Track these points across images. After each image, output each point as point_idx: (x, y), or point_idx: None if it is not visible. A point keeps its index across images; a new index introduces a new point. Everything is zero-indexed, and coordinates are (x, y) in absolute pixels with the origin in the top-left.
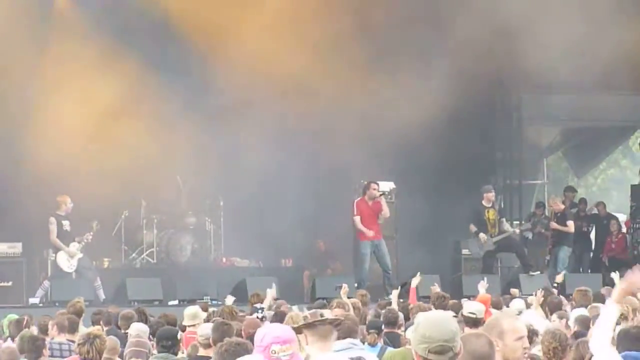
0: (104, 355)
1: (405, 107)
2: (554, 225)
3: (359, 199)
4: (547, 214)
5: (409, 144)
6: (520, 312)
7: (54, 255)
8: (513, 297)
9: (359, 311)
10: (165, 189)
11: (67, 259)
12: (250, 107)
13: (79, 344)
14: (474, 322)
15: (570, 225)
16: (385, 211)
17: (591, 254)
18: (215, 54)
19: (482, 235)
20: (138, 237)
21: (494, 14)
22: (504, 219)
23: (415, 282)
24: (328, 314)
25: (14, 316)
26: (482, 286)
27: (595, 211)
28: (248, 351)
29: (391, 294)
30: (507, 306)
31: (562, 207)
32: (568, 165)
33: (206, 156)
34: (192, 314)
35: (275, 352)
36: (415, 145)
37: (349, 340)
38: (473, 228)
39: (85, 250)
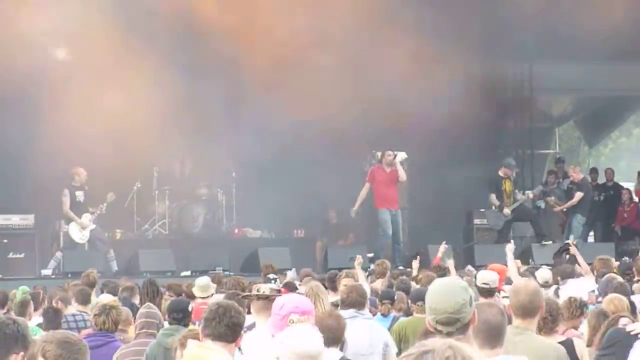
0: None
1: (418, 79)
2: (557, 208)
3: (375, 166)
4: (561, 182)
5: (421, 115)
6: (547, 282)
7: (66, 226)
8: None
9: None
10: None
11: (79, 230)
12: (262, 77)
13: (94, 315)
14: (489, 292)
15: (578, 197)
16: (402, 175)
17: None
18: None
19: (506, 210)
20: (150, 209)
21: None
22: (516, 190)
23: (441, 250)
24: (266, 287)
25: (26, 288)
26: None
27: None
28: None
29: (399, 265)
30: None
31: (581, 176)
32: (580, 135)
33: (218, 127)
34: (203, 285)
35: (293, 322)
36: (428, 115)
37: (352, 310)
38: (495, 201)
39: (98, 222)
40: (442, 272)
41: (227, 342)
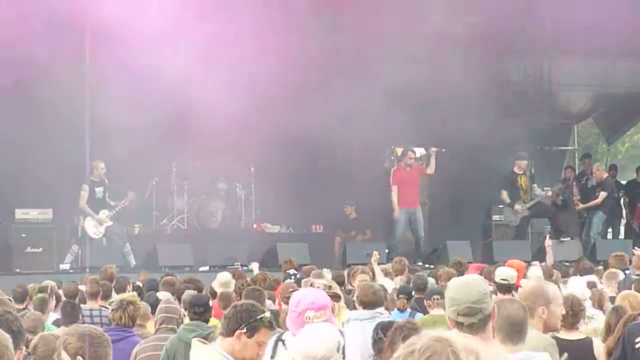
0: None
1: (436, 74)
2: (580, 206)
3: (395, 167)
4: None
5: (440, 111)
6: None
7: (83, 220)
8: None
9: (391, 277)
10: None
11: (95, 225)
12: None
13: (112, 310)
14: (507, 288)
15: (601, 197)
16: (431, 166)
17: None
18: None
19: (517, 206)
20: (169, 203)
21: None
22: (535, 185)
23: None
24: (321, 282)
25: (51, 282)
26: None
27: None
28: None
29: (419, 262)
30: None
31: (605, 175)
32: (598, 132)
33: (237, 122)
34: (225, 281)
35: (309, 318)
36: (447, 111)
37: (371, 311)
38: (507, 198)
39: (116, 218)
40: (462, 268)
41: (222, 335)
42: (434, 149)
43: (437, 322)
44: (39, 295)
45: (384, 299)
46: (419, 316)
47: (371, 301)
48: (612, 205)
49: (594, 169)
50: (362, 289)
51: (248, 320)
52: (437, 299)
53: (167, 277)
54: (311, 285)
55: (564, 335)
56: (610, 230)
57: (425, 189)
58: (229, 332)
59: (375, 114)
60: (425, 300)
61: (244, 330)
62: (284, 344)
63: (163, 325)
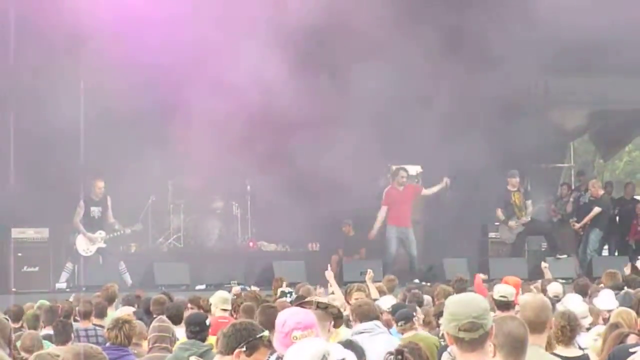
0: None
1: (430, 91)
2: (576, 226)
3: (389, 187)
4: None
5: (435, 128)
6: (557, 295)
7: (76, 237)
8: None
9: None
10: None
11: (86, 243)
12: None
13: (108, 329)
14: (505, 306)
15: (595, 211)
16: (432, 190)
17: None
18: None
19: (511, 223)
20: (165, 222)
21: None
22: (530, 202)
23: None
24: (322, 299)
25: (45, 302)
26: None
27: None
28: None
29: (415, 279)
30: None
31: (601, 192)
32: (595, 149)
33: (233, 140)
34: (223, 298)
35: (296, 338)
36: (442, 128)
37: (375, 322)
38: (501, 215)
39: (112, 240)
40: (462, 285)
41: (220, 353)
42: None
43: (424, 341)
44: (30, 312)
45: (379, 313)
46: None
47: (366, 313)
48: (608, 223)
49: (590, 185)
50: (357, 304)
51: (248, 339)
52: (402, 324)
53: (157, 296)
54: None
55: (561, 351)
56: (606, 247)
57: (420, 206)
58: (228, 350)
59: (370, 133)
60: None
61: (244, 349)
62: None
63: (156, 345)
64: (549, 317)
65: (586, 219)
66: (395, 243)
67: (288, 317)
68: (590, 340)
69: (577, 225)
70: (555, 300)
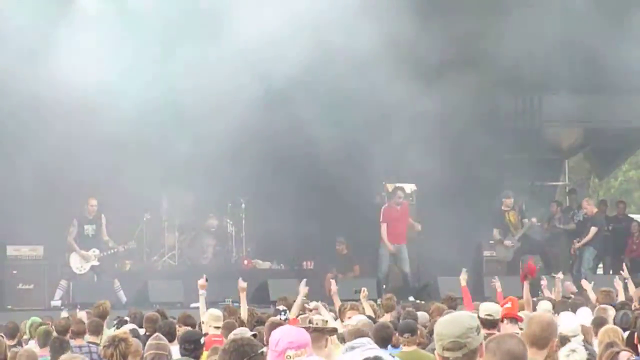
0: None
1: (426, 108)
2: (577, 244)
3: (386, 205)
4: (576, 213)
5: (430, 145)
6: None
7: (69, 255)
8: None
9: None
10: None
11: (80, 261)
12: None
13: (103, 347)
14: (491, 324)
15: (592, 232)
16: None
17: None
18: None
19: (507, 242)
20: (159, 240)
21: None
22: (526, 220)
23: (463, 279)
24: (318, 318)
25: (37, 319)
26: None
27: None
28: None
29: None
30: (535, 308)
31: (595, 210)
32: (590, 167)
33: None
34: (215, 316)
35: (290, 358)
36: (436, 146)
37: (367, 339)
38: (497, 235)
39: (106, 259)
40: (453, 303)
41: None
42: (409, 188)
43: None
44: (42, 327)
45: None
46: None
47: (356, 332)
48: (602, 241)
49: (584, 203)
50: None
51: (250, 355)
52: (407, 337)
53: (149, 314)
54: (309, 322)
55: None
56: (600, 265)
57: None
58: None
59: (365, 150)
60: (395, 334)
61: None
62: None
63: None
64: (553, 334)
65: (584, 241)
66: (387, 261)
67: (282, 336)
68: (562, 356)
69: (577, 245)
70: None
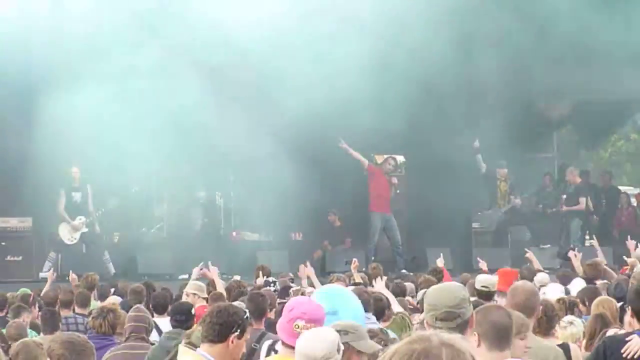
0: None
1: (416, 79)
2: (564, 207)
3: (377, 167)
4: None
5: (419, 117)
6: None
7: (59, 226)
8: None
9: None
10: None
11: (69, 231)
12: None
13: (92, 318)
14: (487, 295)
15: (582, 202)
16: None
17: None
18: None
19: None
20: (148, 211)
21: None
22: (513, 197)
23: (440, 262)
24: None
25: (27, 290)
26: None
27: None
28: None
29: (402, 269)
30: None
31: (579, 180)
32: (578, 139)
33: (216, 129)
34: (198, 286)
35: (298, 327)
36: (426, 118)
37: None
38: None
39: (93, 224)
40: (440, 275)
41: (211, 342)
42: (398, 160)
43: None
44: (16, 304)
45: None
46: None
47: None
48: (587, 212)
49: (567, 173)
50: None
51: (238, 322)
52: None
53: (134, 286)
54: (302, 294)
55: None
56: (587, 237)
57: (403, 196)
58: (220, 337)
59: (354, 122)
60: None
61: (237, 333)
62: (276, 352)
63: (133, 334)
64: (537, 302)
65: (574, 209)
66: (379, 233)
67: (297, 305)
68: (559, 329)
69: (565, 208)
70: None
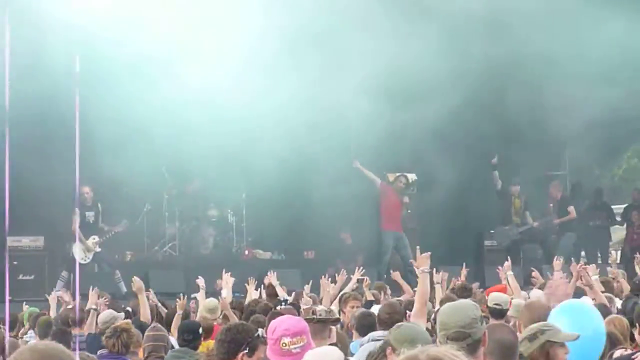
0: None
1: (427, 97)
2: (556, 220)
3: (388, 186)
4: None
5: (431, 135)
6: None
7: (73, 246)
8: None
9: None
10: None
11: (83, 251)
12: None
13: (106, 337)
14: (500, 314)
15: (572, 211)
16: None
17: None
18: None
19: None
20: (160, 230)
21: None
22: (527, 212)
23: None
24: (322, 309)
25: (35, 309)
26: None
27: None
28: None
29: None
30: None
31: (559, 194)
32: (591, 156)
33: (229, 149)
34: (212, 307)
35: (285, 345)
36: (438, 136)
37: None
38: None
39: (106, 244)
40: (467, 292)
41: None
42: (410, 178)
43: None
44: (43, 318)
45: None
46: None
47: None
48: (597, 230)
49: (551, 187)
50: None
51: (247, 340)
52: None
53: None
54: (312, 312)
55: None
56: (583, 254)
57: (415, 213)
58: (230, 355)
59: (368, 142)
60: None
61: (246, 351)
62: None
63: (152, 354)
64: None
65: (566, 218)
66: (390, 251)
67: (278, 324)
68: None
69: (557, 220)
70: None
